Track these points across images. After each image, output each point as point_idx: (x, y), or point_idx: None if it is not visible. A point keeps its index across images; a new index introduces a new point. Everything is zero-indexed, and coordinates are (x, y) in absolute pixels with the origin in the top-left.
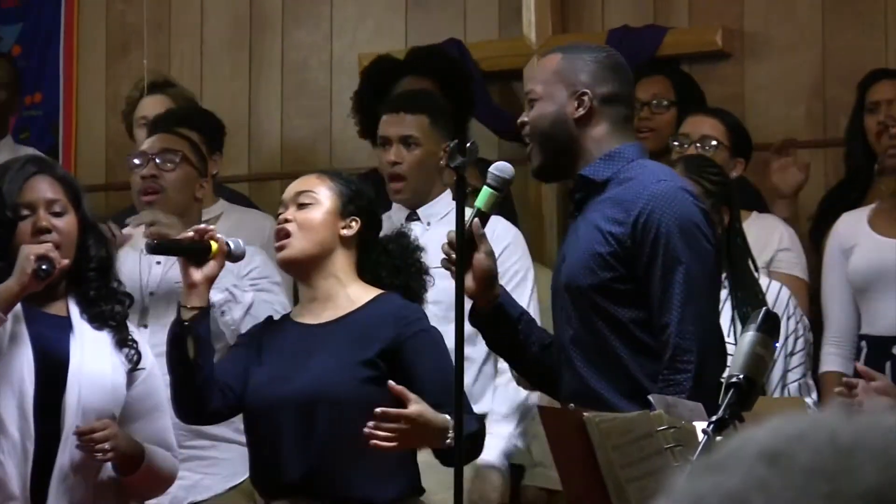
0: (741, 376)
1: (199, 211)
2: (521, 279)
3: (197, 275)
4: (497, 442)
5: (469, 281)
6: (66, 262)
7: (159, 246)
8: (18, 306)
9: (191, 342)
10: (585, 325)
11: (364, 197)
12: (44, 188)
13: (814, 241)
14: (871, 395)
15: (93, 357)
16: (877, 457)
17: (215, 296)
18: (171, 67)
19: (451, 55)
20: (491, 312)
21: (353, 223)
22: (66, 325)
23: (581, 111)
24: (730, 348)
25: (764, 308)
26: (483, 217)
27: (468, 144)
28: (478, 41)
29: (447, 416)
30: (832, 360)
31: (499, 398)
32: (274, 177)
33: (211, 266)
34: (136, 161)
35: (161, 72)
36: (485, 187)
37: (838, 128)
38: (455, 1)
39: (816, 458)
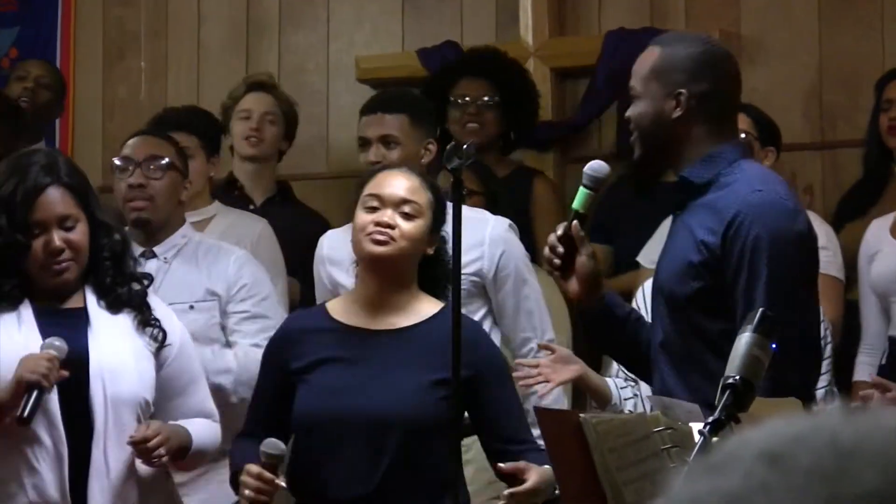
0: (737, 378)
1: (182, 213)
2: (524, 276)
3: None
4: None
5: (573, 284)
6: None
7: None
8: (28, 307)
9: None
10: (676, 331)
11: (444, 212)
12: (55, 204)
13: None
14: (887, 405)
15: (113, 347)
16: (877, 459)
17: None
18: (169, 72)
19: (506, 56)
20: (598, 314)
21: (434, 241)
22: (82, 318)
23: (679, 111)
24: None
25: (760, 309)
26: (582, 219)
27: (464, 147)
28: (475, 44)
29: (547, 468)
30: (863, 368)
31: None
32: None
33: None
34: (119, 163)
35: (268, 72)
36: (581, 188)
37: (836, 131)
38: (452, 4)
39: (817, 460)
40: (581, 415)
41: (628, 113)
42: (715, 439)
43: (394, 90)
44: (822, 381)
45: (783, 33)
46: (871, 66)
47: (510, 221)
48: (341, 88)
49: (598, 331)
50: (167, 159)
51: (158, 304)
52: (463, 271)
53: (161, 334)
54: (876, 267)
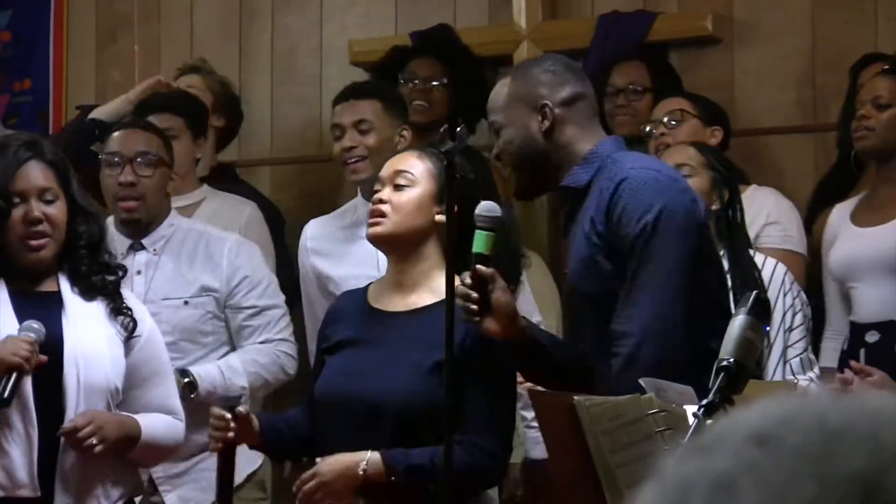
0: (731, 360)
1: (169, 203)
2: None
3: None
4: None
5: (492, 324)
6: (54, 247)
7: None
8: (4, 290)
9: (280, 442)
10: (588, 327)
11: (465, 181)
12: (36, 176)
13: (808, 228)
14: (867, 390)
15: (87, 332)
16: (865, 440)
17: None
18: (161, 55)
19: (459, 39)
20: (526, 346)
21: (442, 209)
22: (56, 302)
23: (546, 123)
24: None
25: (755, 291)
26: (485, 260)
27: (458, 129)
28: (467, 27)
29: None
30: (828, 354)
31: None
32: (264, 163)
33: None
34: (107, 159)
35: (203, 58)
36: (477, 231)
37: (828, 114)
38: None
39: (806, 441)
40: (575, 397)
41: (495, 151)
42: (709, 422)
43: (363, 80)
44: (798, 347)
45: (775, 16)
46: (863, 49)
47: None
48: (334, 72)
49: (531, 362)
50: (156, 154)
51: (129, 297)
52: None
53: (132, 323)
54: (834, 252)
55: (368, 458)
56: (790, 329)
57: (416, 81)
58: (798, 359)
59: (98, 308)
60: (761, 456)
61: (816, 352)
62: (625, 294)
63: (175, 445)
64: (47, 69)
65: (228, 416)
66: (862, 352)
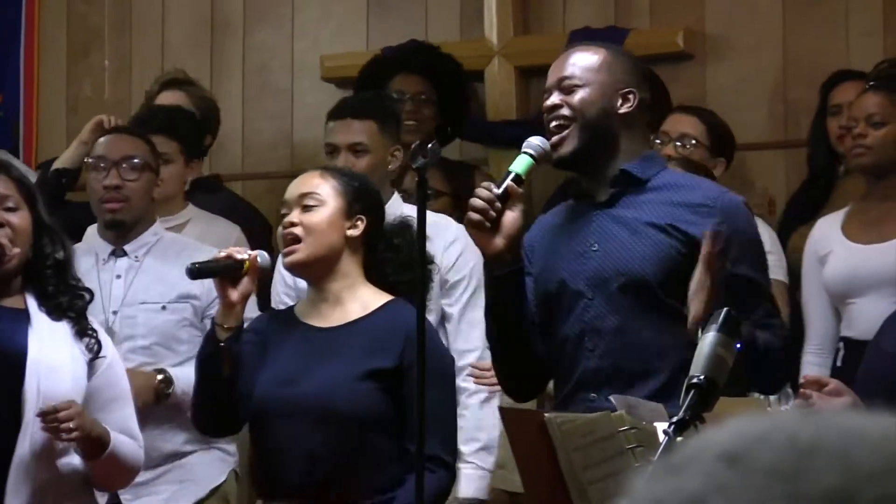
0: (702, 377)
1: (154, 211)
2: (476, 286)
3: (234, 294)
4: (481, 475)
5: (497, 241)
6: (16, 251)
7: (199, 270)
8: None
9: (226, 361)
10: (637, 317)
11: (369, 194)
12: None
13: (782, 243)
14: (827, 400)
15: (51, 347)
16: (837, 459)
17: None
18: (133, 69)
19: (442, 52)
20: (512, 275)
21: (360, 222)
22: (23, 316)
23: (626, 108)
24: None
25: (725, 309)
26: (520, 182)
27: (429, 146)
28: (439, 42)
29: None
30: (810, 369)
31: (478, 422)
32: (235, 178)
33: (245, 284)
34: (93, 162)
35: (181, 69)
36: (523, 154)
37: (800, 129)
38: (417, 2)
39: (777, 460)
40: (546, 414)
41: (555, 99)
42: (679, 439)
43: (363, 94)
44: None
45: (748, 31)
46: (836, 64)
47: None
48: (306, 87)
49: (508, 289)
50: (142, 159)
51: (93, 322)
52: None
53: (96, 345)
54: (829, 268)
55: None
56: None
57: (406, 99)
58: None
59: (63, 328)
60: (732, 476)
61: (796, 367)
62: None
63: (135, 468)
64: (18, 83)
65: (255, 254)
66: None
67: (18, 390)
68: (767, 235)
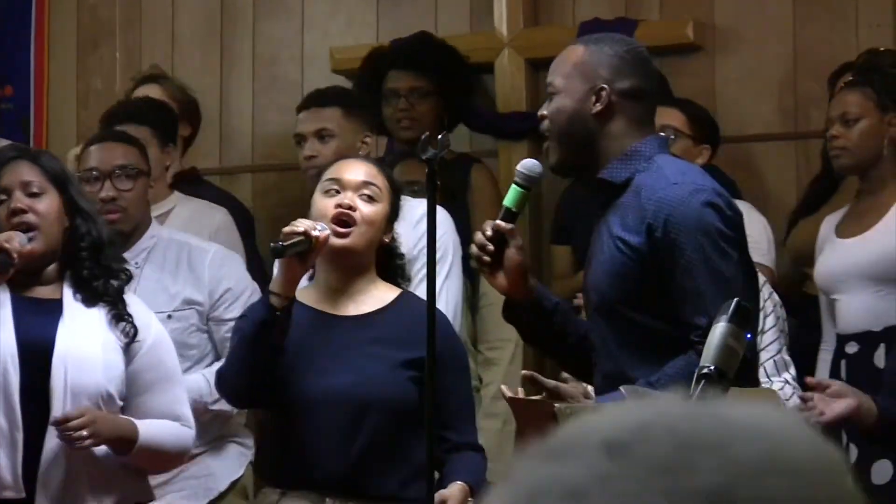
0: (712, 367)
1: (149, 213)
2: (440, 255)
3: (300, 270)
4: None
5: (501, 278)
6: (29, 247)
7: (284, 249)
8: (6, 293)
9: (280, 329)
10: (615, 340)
11: (399, 204)
12: (21, 171)
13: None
14: (828, 403)
15: (81, 338)
16: (715, 453)
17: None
18: (143, 62)
19: (437, 41)
20: (528, 307)
21: (390, 230)
22: (55, 308)
23: (599, 106)
24: None
25: (735, 299)
26: (512, 216)
27: (439, 137)
28: (449, 35)
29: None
30: (822, 366)
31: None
32: (245, 170)
33: (312, 258)
34: (85, 175)
35: (157, 65)
36: (513, 186)
37: (809, 121)
38: None
39: (657, 452)
40: (556, 404)
41: (542, 111)
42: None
43: (325, 87)
44: (771, 350)
45: (757, 23)
46: (844, 56)
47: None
48: (316, 79)
49: (526, 323)
50: (134, 166)
51: (136, 302)
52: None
53: (132, 329)
54: (818, 265)
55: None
56: (762, 331)
57: (399, 98)
58: (772, 360)
59: (98, 314)
60: (613, 467)
61: (813, 364)
62: (690, 304)
63: (182, 451)
64: (29, 77)
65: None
66: (843, 363)
67: (46, 385)
68: (762, 226)
